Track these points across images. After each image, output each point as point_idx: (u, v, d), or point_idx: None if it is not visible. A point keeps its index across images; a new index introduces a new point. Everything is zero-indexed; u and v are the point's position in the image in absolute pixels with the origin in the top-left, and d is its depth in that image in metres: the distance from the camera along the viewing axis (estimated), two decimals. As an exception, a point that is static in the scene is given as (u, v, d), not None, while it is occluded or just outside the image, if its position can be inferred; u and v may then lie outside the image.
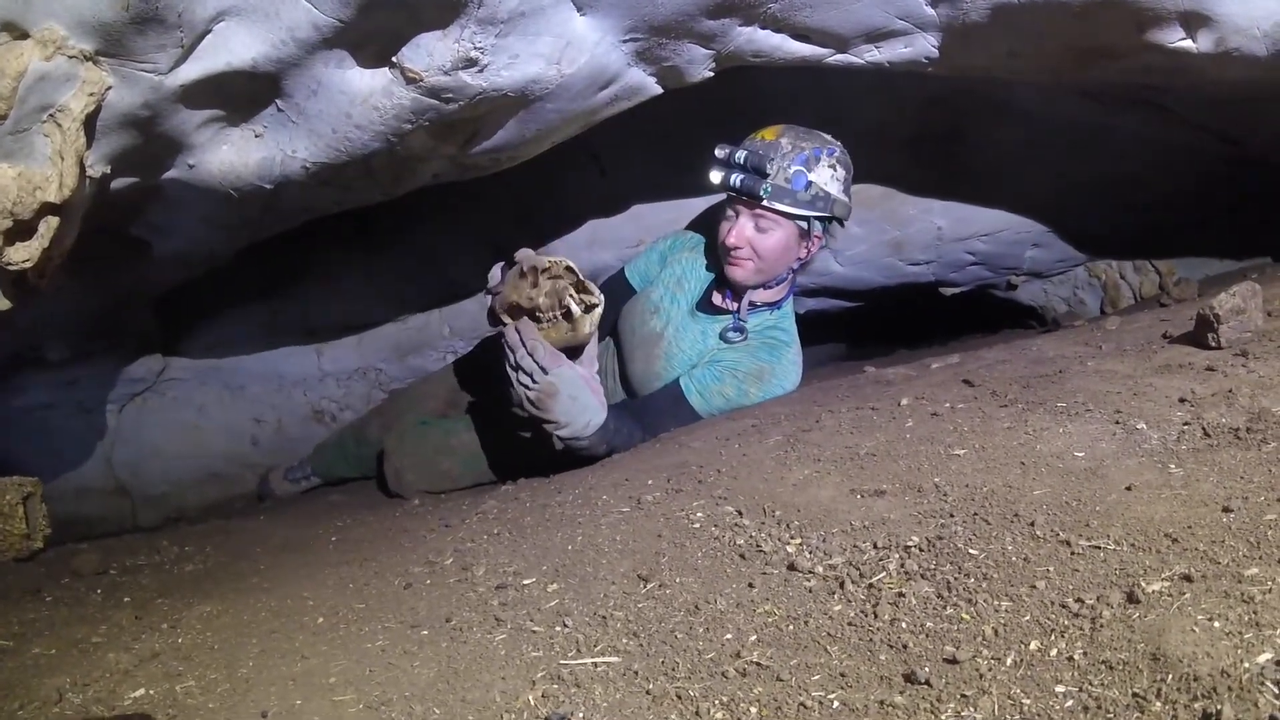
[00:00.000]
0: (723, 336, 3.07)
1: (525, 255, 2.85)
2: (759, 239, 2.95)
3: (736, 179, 2.87)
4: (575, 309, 2.69)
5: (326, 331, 4.42)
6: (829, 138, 2.96)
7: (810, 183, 2.88)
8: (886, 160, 3.90)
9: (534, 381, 2.72)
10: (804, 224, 2.95)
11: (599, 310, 2.74)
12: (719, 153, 2.92)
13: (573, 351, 2.80)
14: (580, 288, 2.71)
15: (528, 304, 2.73)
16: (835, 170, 2.93)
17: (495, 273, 3.03)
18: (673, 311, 3.18)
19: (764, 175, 2.84)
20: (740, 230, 2.95)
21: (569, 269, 2.72)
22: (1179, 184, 3.74)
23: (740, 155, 2.87)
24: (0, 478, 2.59)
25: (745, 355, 3.00)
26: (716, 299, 3.13)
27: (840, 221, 3.02)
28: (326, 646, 1.65)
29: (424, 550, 2.15)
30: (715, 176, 2.91)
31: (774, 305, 3.12)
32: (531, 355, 2.69)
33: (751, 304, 3.08)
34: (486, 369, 3.82)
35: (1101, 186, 3.88)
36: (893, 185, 4.05)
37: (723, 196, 3.00)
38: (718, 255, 3.07)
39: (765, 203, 2.86)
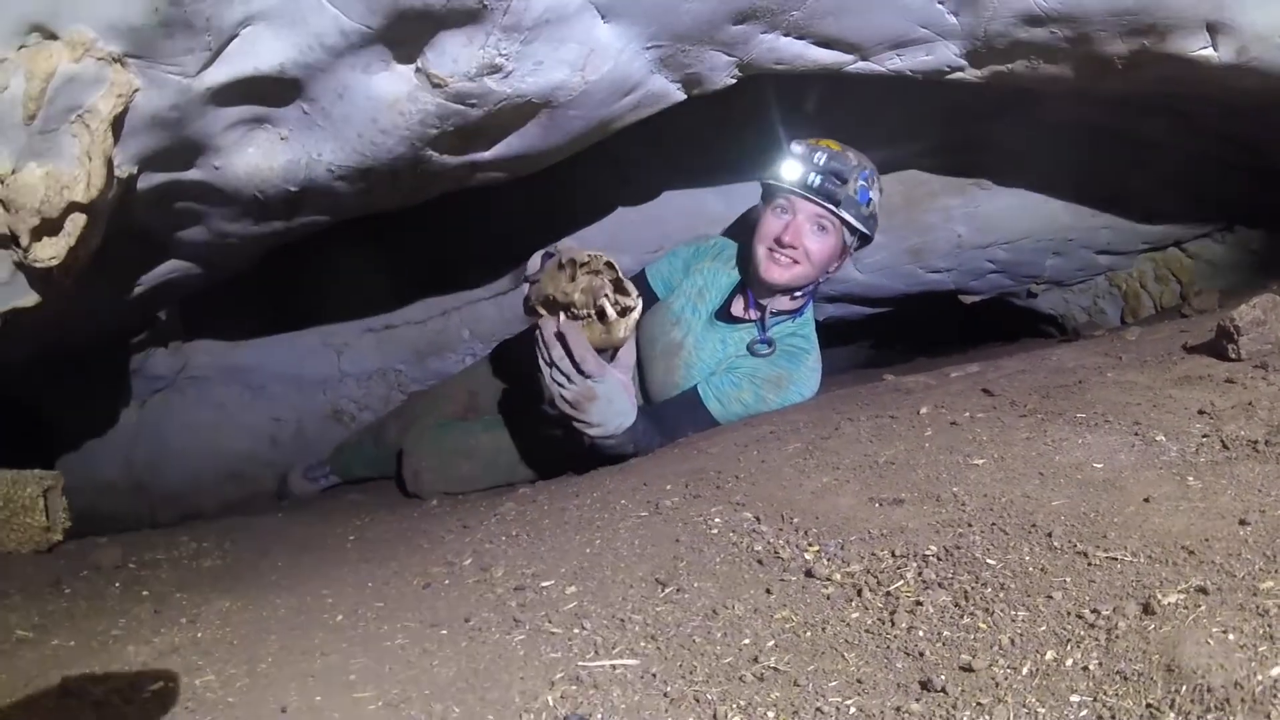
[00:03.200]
0: (751, 350, 3.06)
1: (565, 247, 2.80)
2: (814, 240, 2.96)
3: (816, 179, 2.89)
4: (611, 312, 2.65)
5: (346, 332, 4.45)
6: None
7: (870, 199, 2.97)
8: (907, 166, 3.90)
9: (571, 383, 2.70)
10: (849, 237, 3.00)
11: (635, 314, 2.71)
12: (798, 148, 2.94)
13: (606, 351, 2.77)
14: (618, 287, 2.66)
15: (563, 298, 2.68)
16: (881, 192, 3.03)
17: (535, 261, 2.98)
18: (693, 322, 3.18)
19: (844, 182, 2.89)
20: (798, 228, 2.95)
21: (609, 264, 2.66)
22: (1201, 191, 3.73)
23: (820, 157, 2.90)
24: (21, 471, 2.61)
25: (764, 362, 3.00)
26: (737, 308, 3.12)
27: (863, 241, 3.08)
28: (346, 644, 1.66)
29: (443, 551, 2.16)
30: (793, 171, 2.92)
31: (795, 314, 3.12)
32: (579, 364, 2.67)
33: (772, 312, 3.08)
34: (506, 372, 3.83)
35: (1124, 194, 3.87)
36: (913, 192, 4.04)
37: (751, 205, 3.00)
38: (742, 263, 3.06)
39: (839, 210, 2.91)
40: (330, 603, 1.91)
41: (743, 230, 3.18)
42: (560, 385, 2.73)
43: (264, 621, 1.85)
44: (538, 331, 2.76)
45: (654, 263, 3.49)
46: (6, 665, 1.74)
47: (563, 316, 2.71)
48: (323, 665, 1.57)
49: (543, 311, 2.79)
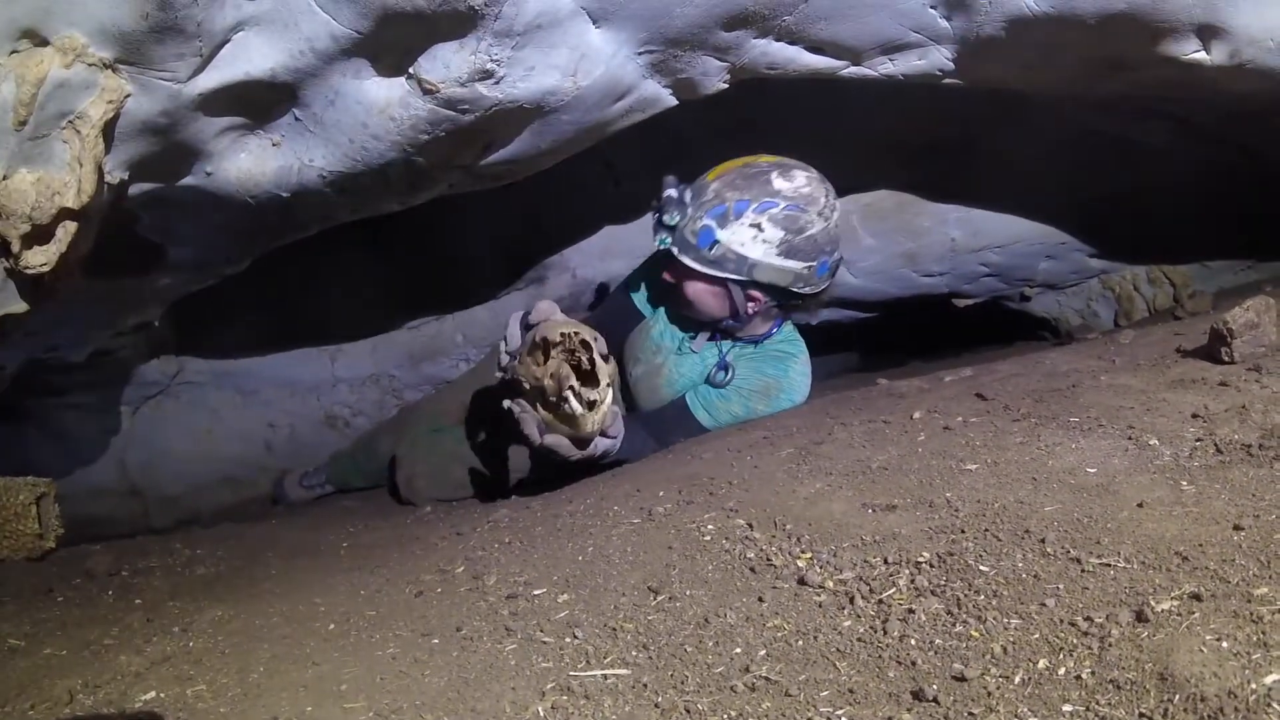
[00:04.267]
0: (709, 380, 2.99)
1: (541, 319, 2.62)
2: (683, 282, 2.87)
3: (654, 217, 2.81)
4: (576, 407, 2.49)
5: (340, 337, 4.45)
6: (784, 187, 2.74)
7: (716, 241, 2.73)
8: (900, 171, 3.91)
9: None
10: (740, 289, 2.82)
11: (605, 406, 2.54)
12: (662, 184, 2.84)
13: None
14: (588, 374, 2.50)
15: (534, 383, 2.56)
16: (762, 230, 2.72)
17: (514, 331, 2.77)
18: (672, 347, 3.13)
19: (666, 224, 2.76)
20: (673, 270, 2.89)
21: (584, 343, 2.49)
22: (1195, 195, 3.73)
23: (664, 194, 2.79)
24: (14, 478, 2.60)
25: (750, 371, 2.97)
26: (701, 340, 3.08)
27: (775, 290, 2.82)
28: (338, 653, 1.65)
29: (435, 558, 2.15)
30: (652, 208, 2.83)
31: (763, 337, 3.06)
32: (567, 460, 2.63)
33: (737, 338, 3.05)
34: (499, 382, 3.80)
35: (1117, 198, 3.87)
36: (907, 196, 4.04)
37: None
38: None
39: (673, 251, 2.79)
40: (322, 611, 1.91)
41: None
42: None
43: (256, 630, 1.84)
44: (515, 418, 2.66)
45: (636, 276, 3.40)
46: (-2, 674, 1.74)
47: (539, 407, 2.60)
48: (314, 675, 1.57)
49: (511, 402, 2.69)
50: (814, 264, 2.79)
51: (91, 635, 1.91)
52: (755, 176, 2.74)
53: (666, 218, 2.74)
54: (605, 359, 2.55)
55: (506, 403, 2.67)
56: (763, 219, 2.71)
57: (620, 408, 2.77)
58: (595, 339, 2.51)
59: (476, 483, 3.50)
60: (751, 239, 2.72)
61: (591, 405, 2.51)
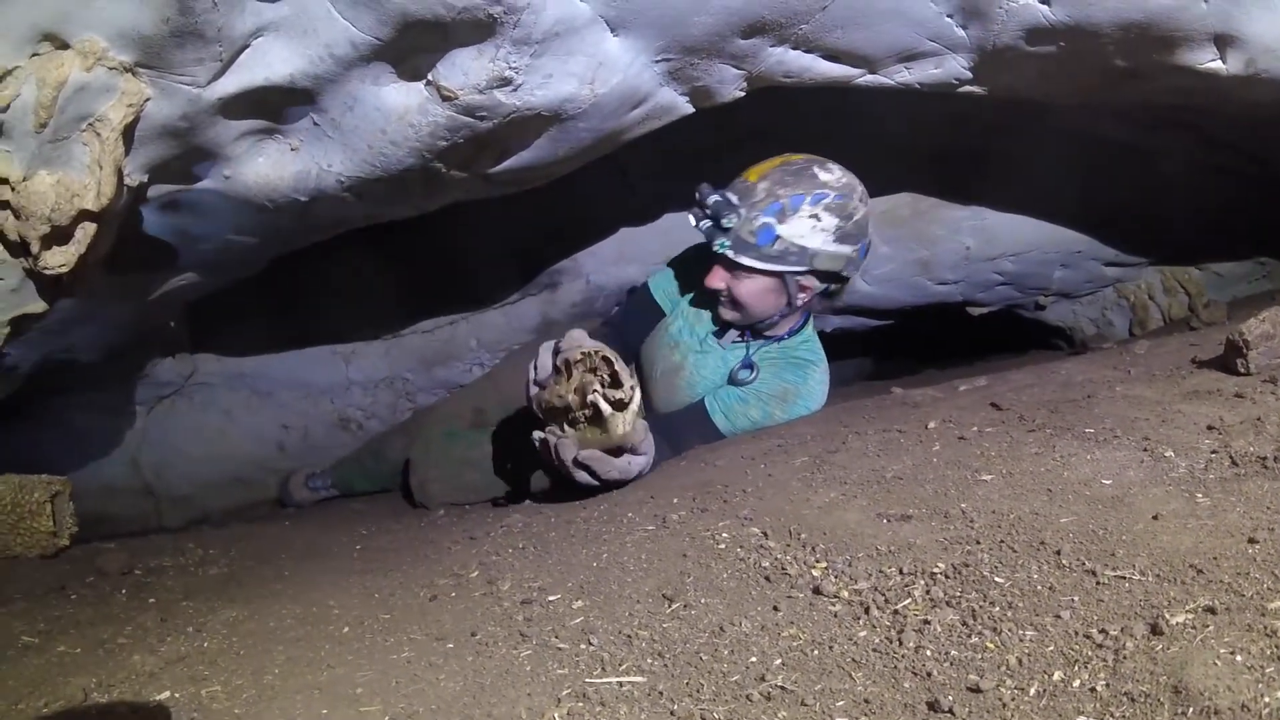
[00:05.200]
0: (732, 379, 3.01)
1: (570, 343, 2.63)
2: (735, 285, 2.88)
3: (702, 223, 2.81)
4: (605, 408, 2.50)
5: (354, 340, 4.45)
6: (829, 178, 2.82)
7: (778, 237, 2.77)
8: (915, 178, 3.90)
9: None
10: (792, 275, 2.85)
11: (634, 406, 2.55)
12: (698, 194, 2.84)
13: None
14: (613, 380, 2.51)
15: (559, 403, 2.55)
16: (819, 220, 2.78)
17: (545, 360, 2.70)
18: (690, 344, 3.14)
19: (723, 227, 2.77)
20: (715, 275, 2.90)
21: (605, 359, 2.51)
22: (1208, 203, 3.72)
23: (710, 198, 2.79)
24: (29, 476, 2.61)
25: (770, 375, 2.98)
26: (732, 332, 3.10)
27: (827, 275, 2.88)
28: (352, 656, 1.66)
29: (449, 562, 2.15)
30: (692, 219, 2.84)
31: (790, 332, 3.08)
32: (604, 479, 2.58)
33: (765, 336, 3.06)
34: (512, 388, 3.79)
35: (1131, 206, 3.87)
36: (921, 204, 4.04)
37: None
38: None
39: (729, 255, 2.80)
40: (336, 614, 1.91)
41: None
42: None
43: (270, 632, 1.85)
44: (548, 446, 2.62)
45: (658, 273, 3.42)
46: (12, 671, 1.74)
47: (566, 427, 2.58)
48: (329, 678, 1.57)
49: (542, 416, 2.67)
50: (859, 247, 2.88)
51: (105, 634, 1.92)
52: (800, 172, 2.80)
53: (725, 221, 2.77)
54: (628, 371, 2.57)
55: (537, 435, 2.66)
56: (819, 209, 2.77)
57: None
58: (616, 357, 2.54)
59: (494, 493, 3.49)
60: (810, 229, 2.78)
61: (619, 405, 2.52)
